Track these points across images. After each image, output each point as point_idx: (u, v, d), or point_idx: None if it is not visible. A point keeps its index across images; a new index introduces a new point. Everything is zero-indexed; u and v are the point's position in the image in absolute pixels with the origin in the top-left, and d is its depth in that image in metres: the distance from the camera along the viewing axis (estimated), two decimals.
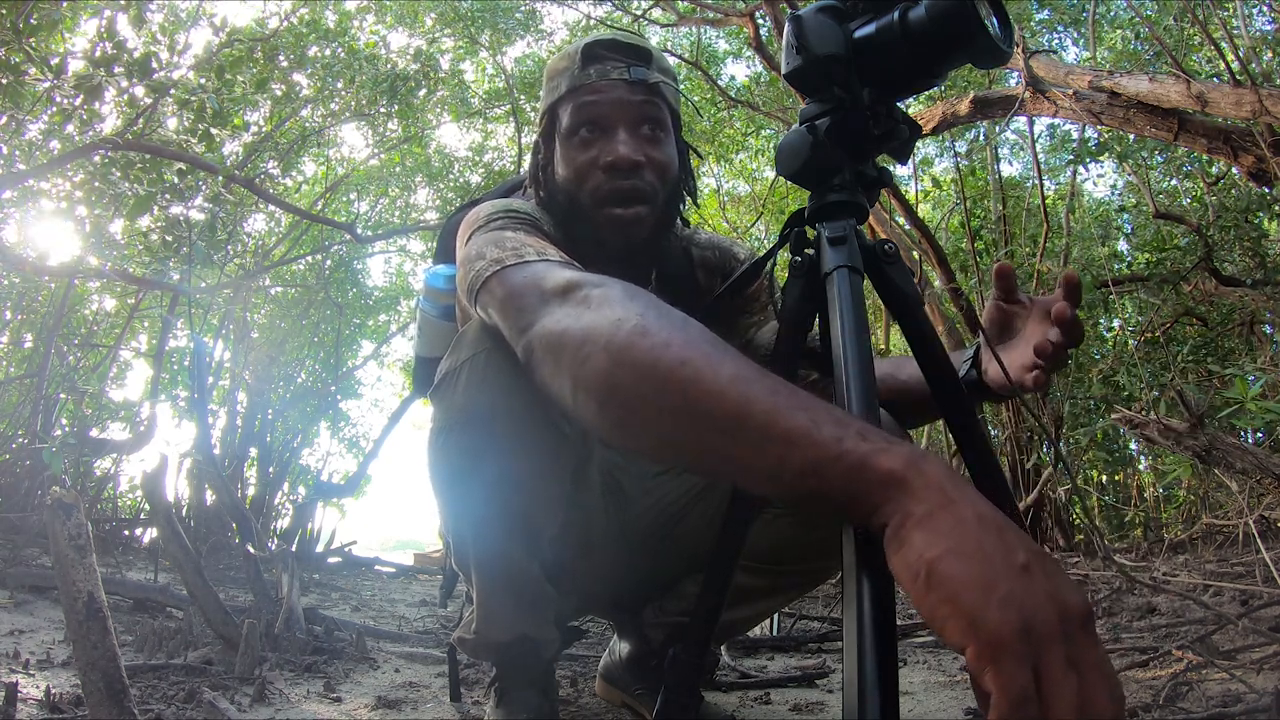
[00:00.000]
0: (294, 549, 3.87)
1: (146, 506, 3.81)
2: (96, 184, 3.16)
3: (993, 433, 4.56)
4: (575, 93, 1.07)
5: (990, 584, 0.44)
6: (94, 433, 4.15)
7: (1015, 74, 3.72)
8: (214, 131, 3.23)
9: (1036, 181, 4.75)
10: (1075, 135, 4.59)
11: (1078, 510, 4.57)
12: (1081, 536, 4.36)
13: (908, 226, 4.69)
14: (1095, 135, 3.98)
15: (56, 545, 1.00)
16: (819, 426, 0.51)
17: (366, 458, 5.91)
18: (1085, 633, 0.44)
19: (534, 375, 0.71)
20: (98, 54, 2.81)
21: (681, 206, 1.17)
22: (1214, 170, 4.35)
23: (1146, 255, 4.70)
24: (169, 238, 3.41)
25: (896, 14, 0.74)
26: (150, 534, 3.98)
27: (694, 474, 1.23)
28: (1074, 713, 0.42)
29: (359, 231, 5.06)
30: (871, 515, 0.50)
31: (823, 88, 0.79)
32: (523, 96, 6.00)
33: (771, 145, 6.52)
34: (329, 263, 6.14)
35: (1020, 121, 4.79)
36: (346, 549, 4.86)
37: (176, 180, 3.21)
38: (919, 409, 1.08)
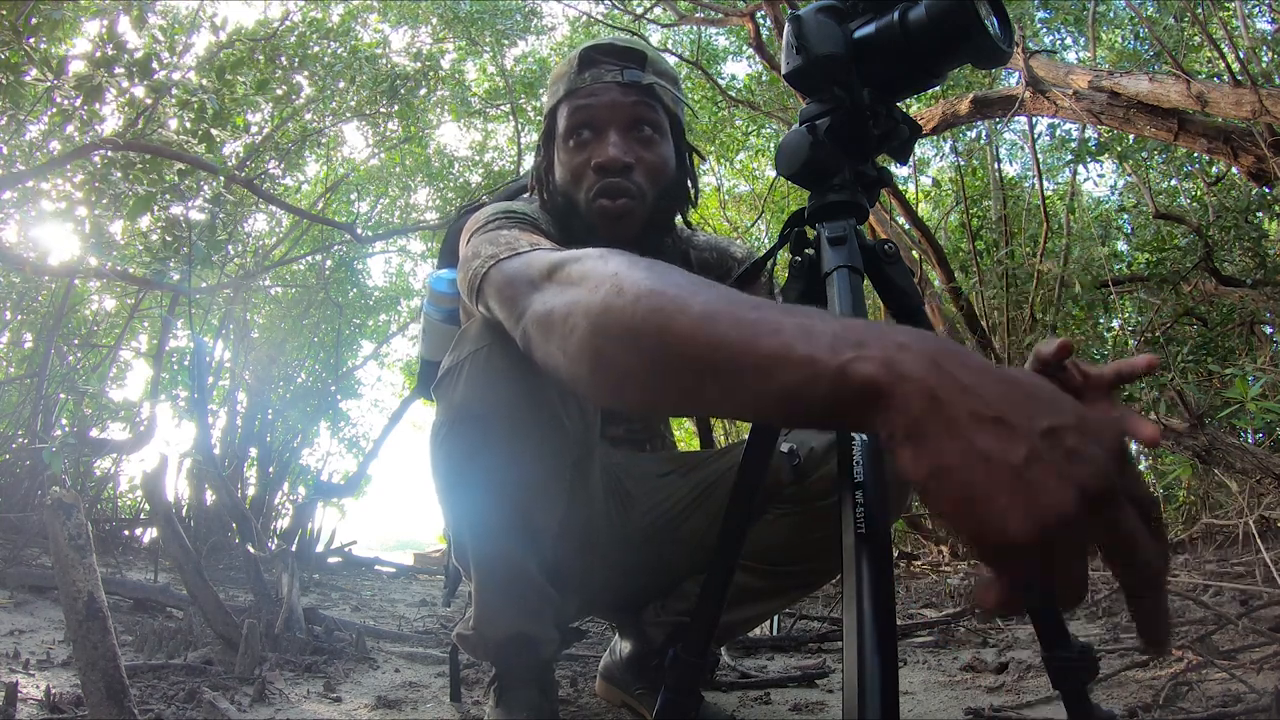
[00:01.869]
0: (294, 549, 3.88)
1: (146, 506, 3.81)
2: (96, 184, 3.16)
3: None
4: (571, 96, 1.11)
5: (987, 498, 0.41)
6: (94, 433, 4.15)
7: (1015, 74, 3.72)
8: (214, 132, 3.24)
9: (1036, 181, 4.75)
10: (1075, 135, 4.60)
11: None
12: None
13: (908, 226, 4.69)
14: (1095, 135, 3.98)
15: (56, 545, 1.00)
16: (791, 349, 0.49)
17: (366, 458, 5.92)
18: (1110, 500, 0.42)
19: (533, 357, 0.73)
20: (98, 55, 2.81)
21: (680, 209, 1.18)
22: (1214, 170, 4.35)
23: (1146, 255, 4.70)
24: (169, 238, 3.41)
25: (896, 14, 0.74)
26: (150, 534, 3.98)
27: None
28: (1077, 589, 0.42)
29: (359, 231, 5.06)
30: (864, 428, 0.48)
31: (823, 88, 0.79)
32: (523, 96, 6.00)
33: (772, 144, 6.52)
34: (329, 263, 6.15)
35: (1020, 121, 4.80)
36: (346, 549, 4.87)
37: (176, 180, 3.21)
38: None
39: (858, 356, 0.46)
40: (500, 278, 0.82)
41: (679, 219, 1.23)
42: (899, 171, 5.40)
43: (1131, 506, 0.43)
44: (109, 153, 3.14)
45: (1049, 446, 0.41)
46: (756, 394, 0.50)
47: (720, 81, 6.09)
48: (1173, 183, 5.19)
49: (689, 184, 1.19)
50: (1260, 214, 3.96)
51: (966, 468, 0.42)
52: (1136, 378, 0.78)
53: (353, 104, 5.24)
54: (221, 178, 3.29)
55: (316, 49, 4.69)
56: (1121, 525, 0.43)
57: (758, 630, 2.07)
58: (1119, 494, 0.42)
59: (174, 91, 3.31)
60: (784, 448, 1.19)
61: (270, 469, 5.57)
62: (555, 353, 0.66)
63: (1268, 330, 4.25)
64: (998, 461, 0.41)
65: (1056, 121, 4.30)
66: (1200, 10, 3.62)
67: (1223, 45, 3.14)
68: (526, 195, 1.25)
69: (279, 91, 4.45)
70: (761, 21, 4.64)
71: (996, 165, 5.62)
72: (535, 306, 0.71)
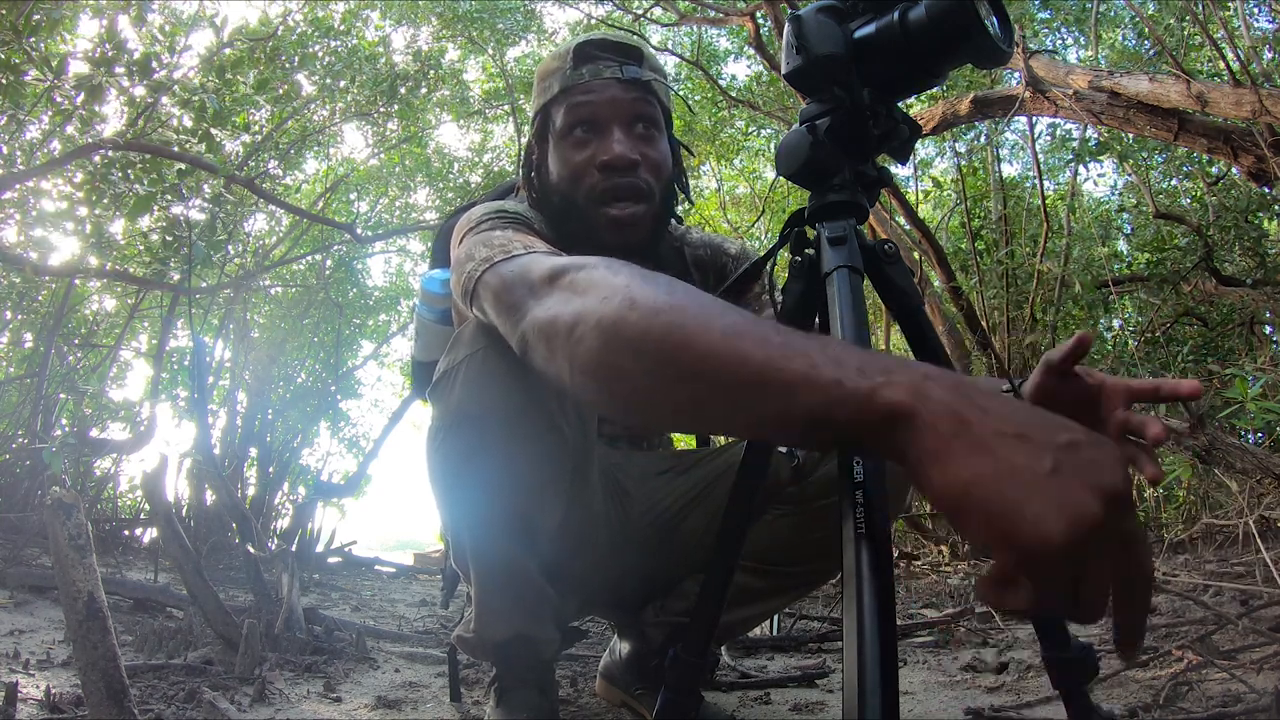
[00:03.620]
0: (294, 549, 3.88)
1: (146, 506, 3.81)
2: (96, 184, 3.16)
3: None
4: (568, 93, 1.07)
5: (1019, 504, 0.43)
6: (94, 433, 4.15)
7: (1015, 74, 3.72)
8: (214, 131, 3.24)
9: (1036, 181, 4.75)
10: (1075, 135, 4.59)
11: None
12: None
13: (908, 226, 4.69)
14: (1095, 135, 3.98)
15: (56, 545, 1.00)
16: (817, 370, 0.50)
17: (366, 458, 5.92)
18: (1126, 510, 0.44)
19: (531, 364, 0.72)
20: (98, 54, 2.81)
21: (676, 204, 1.17)
22: (1214, 170, 4.35)
23: (1146, 255, 4.70)
24: (169, 238, 3.41)
25: (896, 14, 0.74)
26: (150, 534, 3.98)
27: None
28: (1096, 613, 0.44)
29: (359, 231, 5.06)
30: (886, 451, 0.49)
31: (823, 88, 0.79)
32: (522, 96, 6.00)
33: (772, 145, 6.52)
34: (329, 263, 6.15)
35: (1020, 121, 4.79)
36: (346, 549, 4.87)
37: (176, 180, 3.21)
38: None
39: (886, 382, 0.48)
40: (496, 281, 0.81)
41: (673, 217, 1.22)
42: (900, 172, 5.40)
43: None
44: (109, 153, 3.14)
45: (1070, 457, 0.44)
46: (779, 413, 0.51)
47: (720, 81, 6.09)
48: (1173, 183, 5.19)
49: (682, 178, 1.18)
50: (1260, 214, 3.96)
51: (998, 478, 0.44)
52: (1150, 401, 0.79)
53: (353, 103, 5.24)
54: (221, 177, 3.29)
55: (317, 48, 4.69)
56: (1129, 530, 0.45)
57: (758, 630, 2.07)
58: (1132, 498, 0.45)
59: (174, 90, 3.31)
60: (783, 448, 1.19)
61: (270, 469, 5.56)
62: (559, 361, 0.65)
63: (1268, 330, 4.25)
64: (1027, 472, 0.44)
65: (1057, 121, 4.30)
66: (1200, 10, 3.62)
67: (1223, 45, 3.13)
68: (516, 194, 1.22)
69: (279, 91, 4.45)
70: (761, 21, 4.64)
71: (997, 165, 5.61)
72: (536, 313, 0.70)
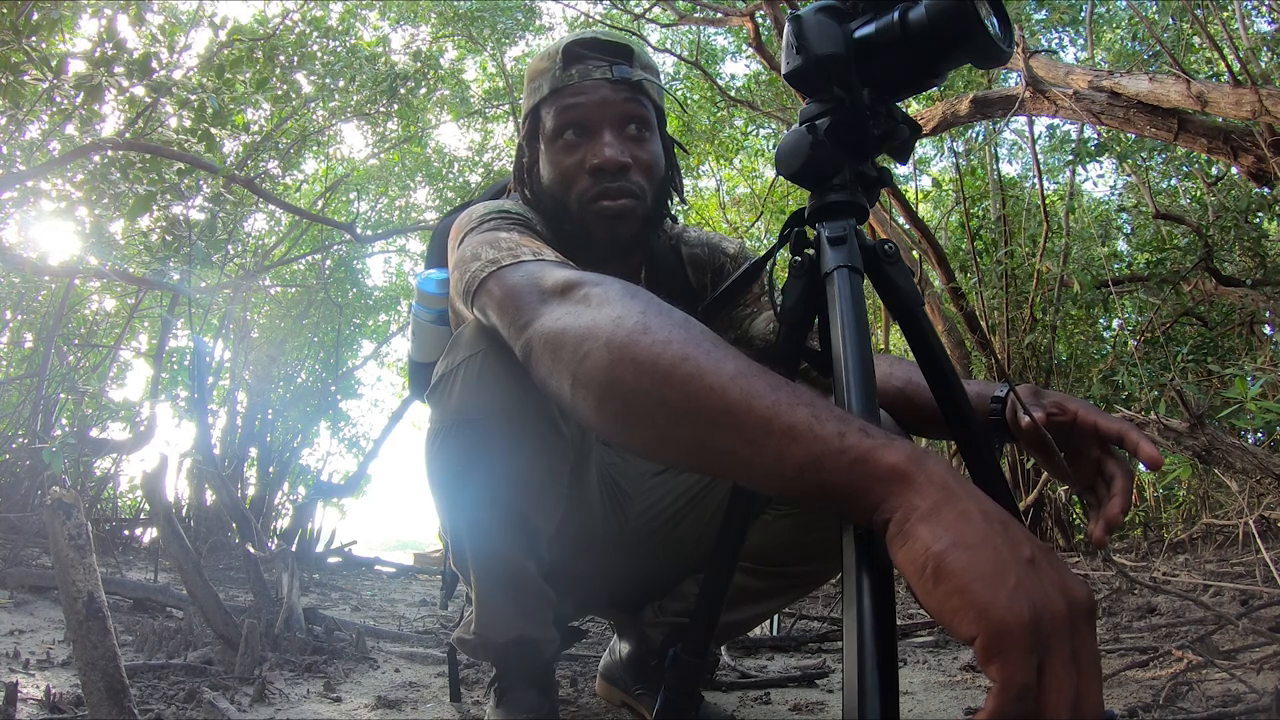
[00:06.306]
0: (294, 549, 3.88)
1: (146, 506, 3.82)
2: (97, 184, 3.16)
3: None
4: (558, 94, 1.06)
5: (999, 575, 0.43)
6: (94, 433, 4.15)
7: (1015, 74, 3.71)
8: (214, 131, 3.24)
9: (1036, 181, 4.75)
10: (1075, 135, 4.59)
11: (1078, 510, 4.57)
12: (1081, 536, 4.35)
13: (908, 226, 4.69)
14: (1095, 135, 3.97)
15: (56, 545, 1.00)
16: (821, 421, 0.52)
17: (366, 458, 5.92)
18: (1088, 626, 0.45)
19: (533, 373, 0.71)
20: (98, 54, 2.81)
21: (670, 203, 1.16)
22: (1214, 170, 4.35)
23: (1146, 255, 4.70)
24: (169, 238, 3.41)
25: (896, 14, 0.74)
26: (150, 534, 3.98)
27: (692, 471, 1.21)
28: (1069, 711, 0.43)
29: (359, 231, 5.06)
30: (874, 510, 0.50)
31: (822, 88, 0.79)
32: (522, 96, 6.01)
33: (771, 144, 6.52)
34: (329, 263, 6.15)
35: (1020, 121, 4.80)
36: (346, 549, 4.87)
37: (176, 180, 3.21)
38: (917, 416, 1.06)
39: (888, 445, 0.50)
40: (501, 286, 0.80)
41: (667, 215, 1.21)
42: (899, 171, 5.40)
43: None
44: (109, 152, 3.15)
45: (1046, 558, 0.46)
46: (777, 455, 0.52)
47: (720, 81, 6.09)
48: (1173, 183, 5.19)
49: (676, 178, 1.16)
50: (1260, 214, 3.96)
51: (983, 546, 0.45)
52: (1116, 445, 0.83)
53: (353, 103, 5.24)
54: (221, 177, 3.29)
55: (315, 47, 4.69)
56: (1089, 648, 0.45)
57: (758, 630, 2.07)
58: (1095, 615, 0.46)
59: (174, 90, 3.31)
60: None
61: (270, 469, 5.57)
62: (562, 374, 0.65)
63: (1268, 330, 4.25)
64: (1008, 551, 0.45)
65: (1056, 121, 4.29)
66: (1200, 10, 3.62)
67: (1223, 45, 3.13)
68: (509, 194, 1.21)
69: (279, 90, 4.45)
70: (761, 21, 4.64)
71: (996, 165, 5.61)
72: (545, 322, 0.70)
